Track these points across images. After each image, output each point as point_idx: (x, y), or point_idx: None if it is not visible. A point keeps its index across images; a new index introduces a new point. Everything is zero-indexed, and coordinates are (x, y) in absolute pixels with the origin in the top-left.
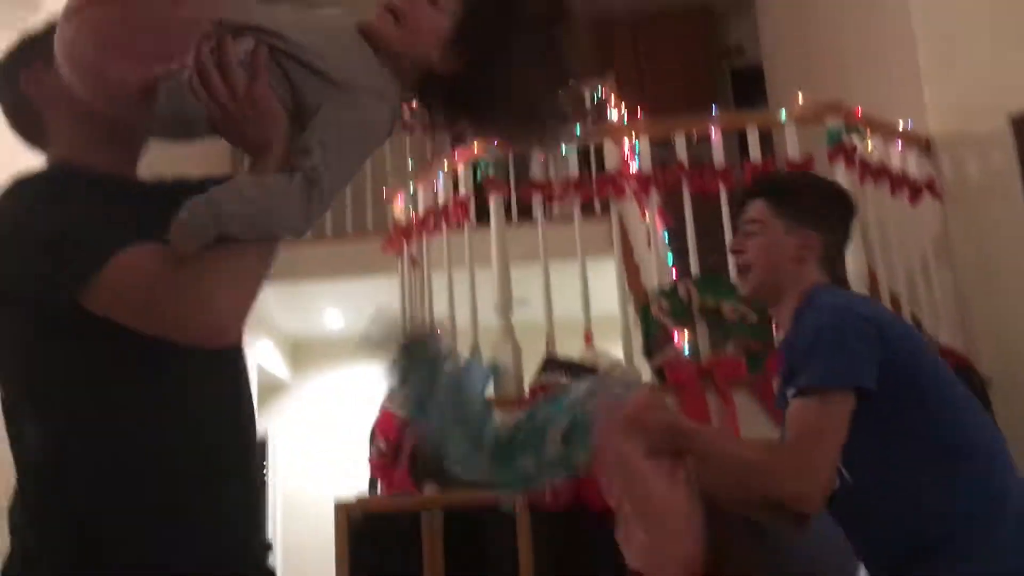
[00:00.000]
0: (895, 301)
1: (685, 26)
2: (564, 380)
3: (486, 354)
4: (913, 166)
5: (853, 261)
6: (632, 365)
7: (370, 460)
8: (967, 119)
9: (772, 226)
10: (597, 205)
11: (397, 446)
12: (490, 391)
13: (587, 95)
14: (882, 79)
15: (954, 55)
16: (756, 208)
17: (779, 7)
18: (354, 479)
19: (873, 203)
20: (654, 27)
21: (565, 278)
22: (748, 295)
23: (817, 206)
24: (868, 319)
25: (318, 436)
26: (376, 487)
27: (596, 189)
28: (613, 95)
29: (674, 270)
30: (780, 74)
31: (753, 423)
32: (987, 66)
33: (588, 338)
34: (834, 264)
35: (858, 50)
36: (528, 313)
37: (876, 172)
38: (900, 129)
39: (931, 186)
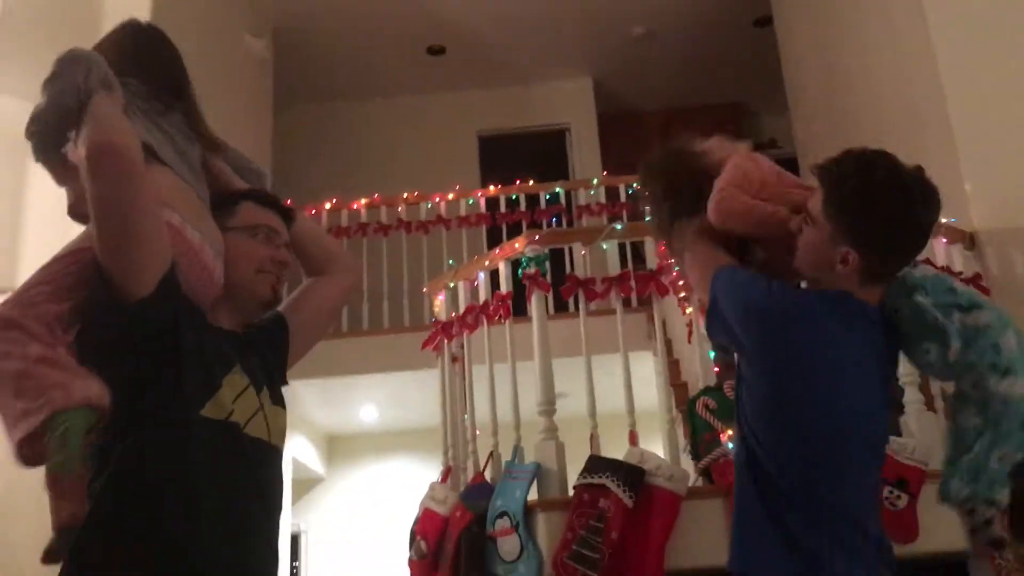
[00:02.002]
0: (947, 400)
1: (717, 119)
2: (609, 480)
3: (528, 451)
4: (958, 261)
5: (904, 363)
6: (675, 464)
7: (410, 561)
8: (1011, 213)
9: (821, 227)
10: (635, 298)
11: (439, 548)
12: (533, 493)
13: (622, 188)
14: None
15: (994, 149)
16: (815, 199)
17: (812, 104)
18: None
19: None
20: (685, 120)
21: (604, 371)
22: (793, 273)
23: (868, 231)
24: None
25: (354, 531)
26: None
27: (637, 286)
28: None
29: (716, 366)
30: None
31: None
32: None
33: (633, 438)
34: (881, 279)
35: (896, 146)
36: (569, 406)
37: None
38: (943, 224)
39: (977, 281)
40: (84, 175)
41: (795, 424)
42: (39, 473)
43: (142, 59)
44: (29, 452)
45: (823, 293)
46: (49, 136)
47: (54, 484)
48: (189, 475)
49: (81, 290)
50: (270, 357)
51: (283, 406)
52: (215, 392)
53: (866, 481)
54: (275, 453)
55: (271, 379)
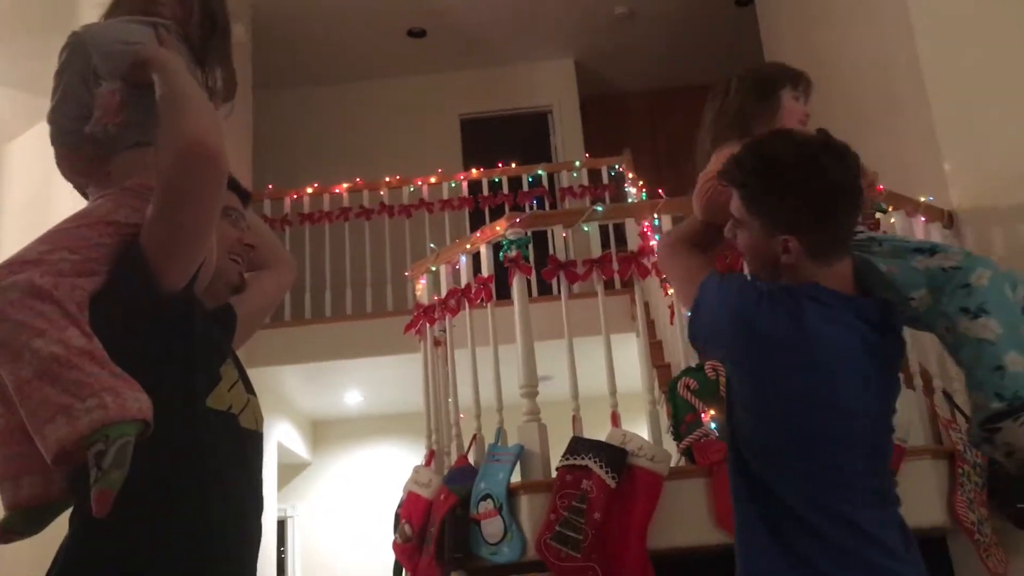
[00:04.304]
0: (926, 377)
1: (699, 100)
2: (592, 461)
3: (511, 434)
4: (937, 239)
5: None
6: (658, 445)
7: (395, 544)
8: (989, 192)
9: (751, 225)
10: (617, 280)
11: (423, 531)
12: (517, 475)
13: (604, 171)
14: (901, 155)
15: (973, 128)
16: (734, 201)
17: None
18: (376, 560)
19: None
20: (667, 101)
21: (587, 354)
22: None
23: (794, 208)
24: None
25: (339, 516)
26: (401, 572)
27: (619, 268)
28: (630, 171)
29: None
30: None
31: None
32: (1007, 137)
33: (615, 419)
34: (833, 252)
35: (875, 126)
36: (552, 388)
37: None
38: (922, 203)
39: None
40: (167, 161)
41: (780, 425)
42: None
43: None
44: (63, 454)
45: (794, 289)
46: (69, 125)
47: (102, 499)
48: (205, 464)
49: (107, 265)
50: (227, 347)
51: (255, 394)
52: (217, 383)
53: (862, 482)
54: (261, 441)
55: (240, 368)
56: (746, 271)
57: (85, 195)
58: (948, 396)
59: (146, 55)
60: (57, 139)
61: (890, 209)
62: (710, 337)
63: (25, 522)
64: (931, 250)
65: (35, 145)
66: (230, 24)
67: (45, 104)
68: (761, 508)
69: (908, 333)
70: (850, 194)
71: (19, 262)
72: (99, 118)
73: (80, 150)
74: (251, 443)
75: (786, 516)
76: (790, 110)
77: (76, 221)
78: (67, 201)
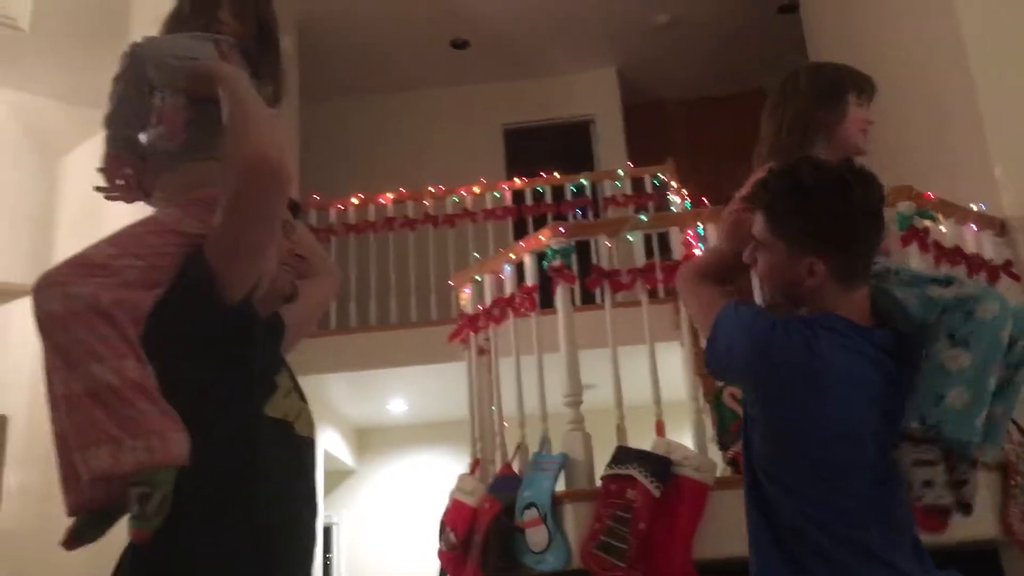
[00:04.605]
0: None
1: (742, 108)
2: (636, 471)
3: (556, 442)
4: (989, 248)
5: None
6: (704, 454)
7: (440, 552)
8: None
9: (775, 247)
10: (661, 289)
11: (468, 539)
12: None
13: (647, 179)
14: (952, 162)
15: (1023, 135)
16: (758, 223)
17: None
18: (421, 568)
19: None
20: (710, 109)
21: (631, 362)
22: (769, 304)
23: (820, 231)
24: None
25: (384, 524)
26: None
27: (663, 277)
28: (673, 180)
29: None
30: None
31: None
32: None
33: (660, 429)
34: (856, 277)
35: (924, 133)
36: (595, 396)
37: (952, 255)
38: (973, 211)
39: (1008, 268)
40: (237, 174)
41: (792, 449)
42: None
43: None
44: (101, 480)
45: (812, 319)
46: (124, 131)
47: (141, 536)
48: (263, 471)
49: (171, 273)
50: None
51: (307, 402)
52: (274, 392)
53: (873, 505)
54: (314, 449)
55: (292, 376)
56: (759, 300)
57: (115, 197)
58: None
59: (210, 70)
60: (112, 143)
61: (940, 217)
62: (727, 364)
63: (91, 527)
64: (947, 281)
65: (90, 158)
66: (280, 38)
67: (99, 117)
68: (772, 526)
69: None
70: (875, 219)
71: (88, 263)
72: (163, 134)
73: (134, 154)
74: (307, 450)
75: (795, 536)
76: (855, 118)
77: (146, 227)
78: (121, 214)
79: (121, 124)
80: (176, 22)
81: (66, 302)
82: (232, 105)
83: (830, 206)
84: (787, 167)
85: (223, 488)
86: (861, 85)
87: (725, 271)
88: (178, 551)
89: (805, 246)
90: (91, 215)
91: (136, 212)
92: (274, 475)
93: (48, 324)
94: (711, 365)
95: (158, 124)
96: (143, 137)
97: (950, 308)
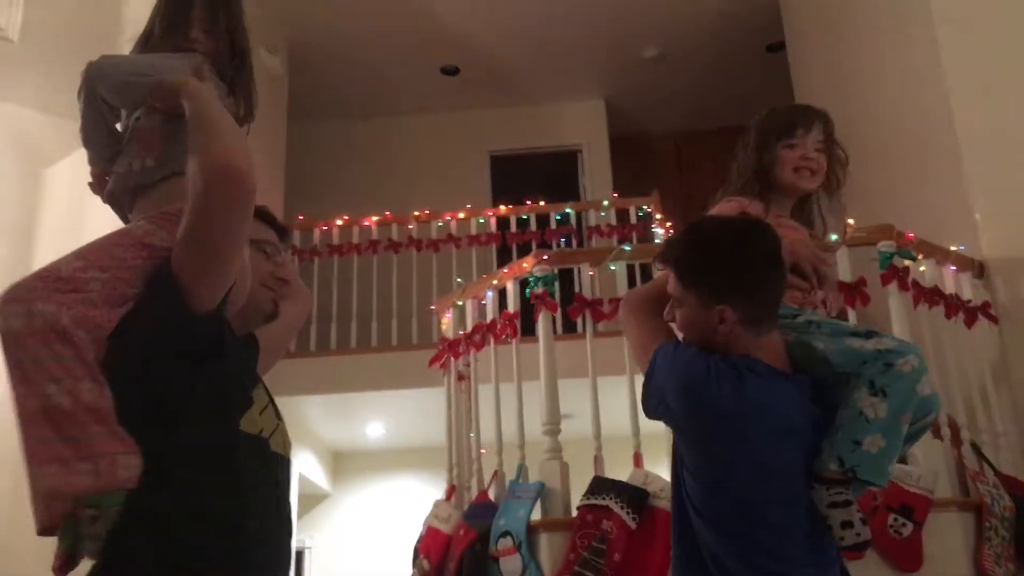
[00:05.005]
0: (953, 428)
1: (728, 142)
2: (613, 501)
3: (533, 471)
4: (968, 289)
5: None
6: None
7: None
8: (1021, 241)
9: (686, 300)
10: None
11: (441, 566)
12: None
13: (632, 211)
14: (932, 203)
15: (1004, 177)
16: (671, 279)
17: None
18: None
19: (928, 326)
20: (697, 144)
21: (610, 392)
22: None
23: (726, 280)
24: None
25: (357, 548)
26: None
27: None
28: (658, 212)
29: None
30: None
31: None
32: None
33: (637, 460)
34: (764, 321)
35: (905, 174)
36: (574, 426)
37: (931, 295)
38: (952, 252)
39: (986, 309)
40: (196, 186)
41: (722, 490)
42: None
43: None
44: (53, 498)
45: (737, 361)
46: (100, 150)
47: (65, 561)
48: (238, 485)
49: (137, 286)
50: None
51: (283, 420)
52: (249, 407)
53: (803, 542)
54: (290, 468)
55: (268, 394)
56: None
57: (124, 218)
58: (976, 447)
59: (174, 85)
60: (92, 160)
61: (920, 257)
62: (660, 405)
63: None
64: (867, 334)
65: (73, 171)
66: (250, 56)
67: None
68: (699, 561)
69: (937, 385)
70: (775, 265)
71: (54, 277)
72: (137, 152)
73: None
74: (281, 467)
75: (722, 572)
76: (785, 160)
77: (113, 239)
78: (102, 227)
79: (93, 142)
80: (147, 43)
81: (26, 320)
82: (196, 116)
83: (732, 256)
84: (690, 224)
85: (197, 498)
86: (788, 128)
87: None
88: (154, 561)
89: (714, 296)
90: (72, 227)
91: (117, 224)
92: (248, 486)
93: (9, 340)
94: (646, 404)
95: (134, 143)
96: (121, 161)
97: (870, 359)
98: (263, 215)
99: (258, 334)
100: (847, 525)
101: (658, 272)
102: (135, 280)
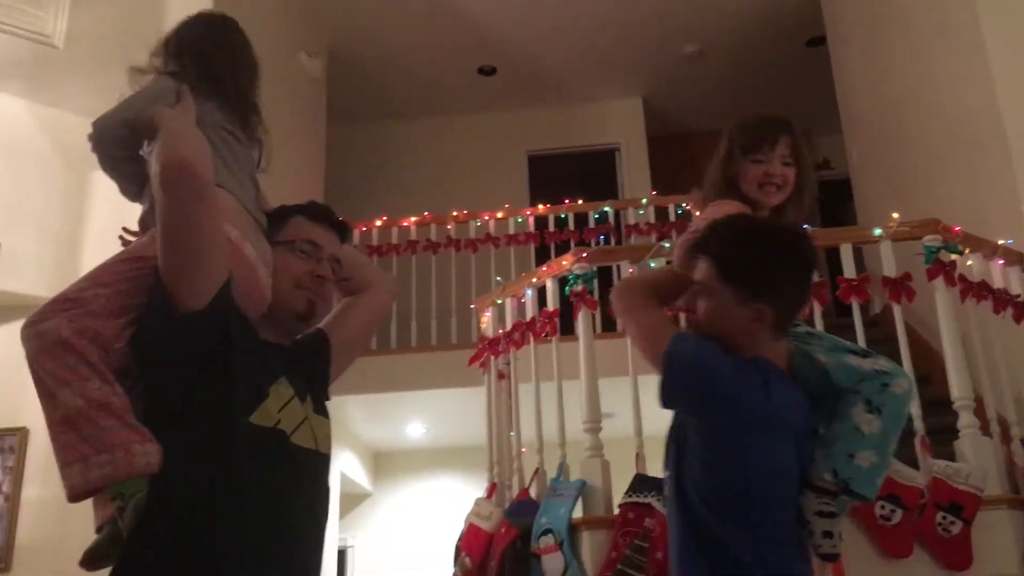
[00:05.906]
0: (1004, 425)
1: None
2: (655, 499)
3: (574, 469)
4: (1016, 284)
5: (958, 386)
6: None
7: None
8: None
9: (721, 294)
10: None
11: (483, 564)
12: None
13: (671, 208)
14: (979, 198)
15: None
16: (704, 270)
17: (866, 125)
18: None
19: (976, 322)
20: None
21: (651, 391)
22: (696, 333)
23: (772, 280)
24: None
25: (399, 547)
26: None
27: None
28: (697, 210)
29: None
30: (869, 189)
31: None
32: None
33: None
34: (788, 325)
35: (951, 167)
36: (615, 425)
37: (978, 290)
38: (1000, 246)
39: None
40: (155, 189)
41: (737, 486)
42: None
43: (207, 51)
44: (79, 496)
45: (756, 361)
46: (111, 155)
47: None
48: (236, 477)
49: (139, 296)
50: (313, 371)
51: (327, 416)
52: (262, 401)
53: (793, 536)
54: (323, 460)
55: (315, 391)
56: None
57: None
58: None
59: (153, 118)
60: (145, 199)
61: (967, 251)
62: (685, 395)
63: (107, 546)
64: (864, 354)
65: None
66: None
67: None
68: (702, 549)
69: (985, 381)
70: (811, 274)
71: (61, 299)
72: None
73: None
74: (305, 460)
75: (728, 562)
76: (749, 177)
77: (116, 257)
78: None
79: (124, 189)
80: (136, 74)
81: (38, 340)
82: (160, 133)
83: (781, 258)
84: (735, 219)
85: (200, 489)
86: (754, 144)
87: (675, 294)
88: (161, 548)
89: (755, 293)
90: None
91: None
92: (256, 479)
93: (31, 362)
94: (673, 391)
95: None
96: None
97: (868, 378)
98: (315, 213)
99: (330, 331)
100: (828, 535)
101: (653, 261)
102: (135, 291)
